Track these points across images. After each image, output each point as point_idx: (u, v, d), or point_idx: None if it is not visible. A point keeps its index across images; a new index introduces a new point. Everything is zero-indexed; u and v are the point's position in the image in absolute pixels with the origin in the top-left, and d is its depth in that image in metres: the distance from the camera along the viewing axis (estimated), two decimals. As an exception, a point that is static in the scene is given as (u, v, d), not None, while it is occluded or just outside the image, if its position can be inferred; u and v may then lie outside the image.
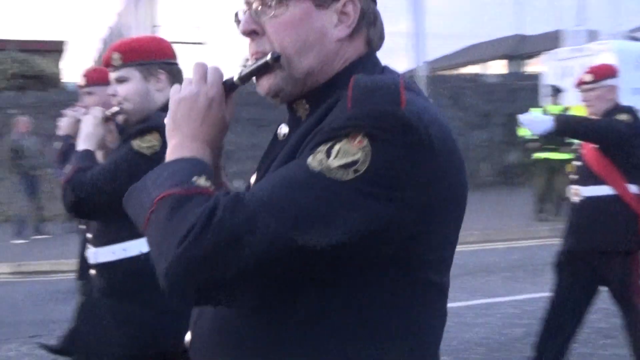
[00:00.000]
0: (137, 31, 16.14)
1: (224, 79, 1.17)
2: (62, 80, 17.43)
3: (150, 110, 2.31)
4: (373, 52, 1.21)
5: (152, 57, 2.33)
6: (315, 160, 1.00)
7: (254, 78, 1.18)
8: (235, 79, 1.17)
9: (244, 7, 1.17)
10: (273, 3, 1.13)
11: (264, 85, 1.17)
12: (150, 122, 2.25)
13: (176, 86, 1.19)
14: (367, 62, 1.18)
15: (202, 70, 1.16)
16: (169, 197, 1.03)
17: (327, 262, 1.00)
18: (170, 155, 1.13)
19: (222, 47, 49.44)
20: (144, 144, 2.22)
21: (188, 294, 1.03)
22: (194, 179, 1.05)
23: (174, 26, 28.92)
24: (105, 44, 21.37)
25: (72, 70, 53.67)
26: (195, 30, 28.67)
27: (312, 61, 1.15)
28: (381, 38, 1.23)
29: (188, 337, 1.20)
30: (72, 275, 8.15)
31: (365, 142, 0.99)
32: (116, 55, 2.30)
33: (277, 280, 1.02)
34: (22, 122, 10.93)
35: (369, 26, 1.19)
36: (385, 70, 1.19)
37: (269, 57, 1.12)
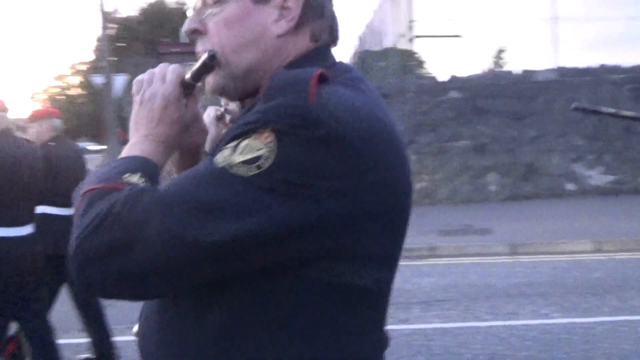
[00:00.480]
0: (393, 27, 16.50)
1: (185, 77, 1.16)
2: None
3: None
4: (321, 47, 1.15)
5: None
6: (221, 156, 0.98)
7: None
8: (187, 77, 1.16)
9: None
10: (211, 1, 1.12)
11: (209, 83, 1.16)
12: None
13: (137, 87, 1.20)
14: (313, 57, 1.12)
15: (163, 71, 1.16)
16: (89, 192, 1.04)
17: (229, 261, 0.97)
18: (121, 155, 1.14)
19: (478, 40, 48.72)
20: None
21: (93, 287, 1.01)
22: (126, 175, 1.04)
23: (430, 20, 29.04)
24: (361, 42, 22.12)
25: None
26: (451, 23, 28.47)
27: (251, 58, 1.12)
28: (333, 32, 1.16)
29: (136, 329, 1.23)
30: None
31: (271, 137, 0.95)
32: None
33: (185, 279, 0.99)
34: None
35: (315, 20, 1.13)
36: (336, 66, 1.12)
37: (205, 56, 1.12)
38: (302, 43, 1.13)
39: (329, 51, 1.17)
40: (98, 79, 17.55)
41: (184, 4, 36.00)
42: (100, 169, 1.11)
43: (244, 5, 1.11)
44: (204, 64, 1.13)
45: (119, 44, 29.07)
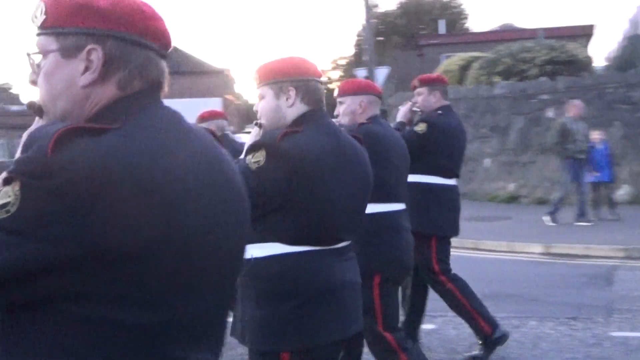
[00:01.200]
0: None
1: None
2: (592, 65, 17.26)
3: (280, 125, 2.40)
4: (130, 95, 1.23)
5: (283, 75, 2.39)
6: None
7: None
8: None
9: None
10: (41, 57, 1.26)
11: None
12: (261, 138, 2.38)
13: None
14: (119, 104, 1.21)
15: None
16: None
17: None
18: None
19: None
20: (253, 159, 2.27)
21: None
22: None
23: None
24: (632, 25, 20.33)
25: (599, 53, 54.12)
26: None
27: (64, 107, 1.25)
28: (144, 78, 1.24)
29: None
30: (601, 261, 8.34)
31: (18, 186, 1.06)
32: (255, 76, 2.47)
33: None
34: (575, 106, 10.91)
35: (120, 70, 1.22)
36: (141, 113, 1.20)
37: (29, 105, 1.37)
38: (109, 92, 1.23)
39: (138, 98, 1.23)
40: (361, 72, 18.30)
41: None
42: None
43: (56, 60, 1.23)
44: (34, 112, 1.39)
45: (378, 38, 30.01)
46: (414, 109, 4.70)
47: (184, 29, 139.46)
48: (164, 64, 1.27)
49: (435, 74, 5.23)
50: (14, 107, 32.29)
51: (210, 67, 60.62)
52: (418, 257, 4.06)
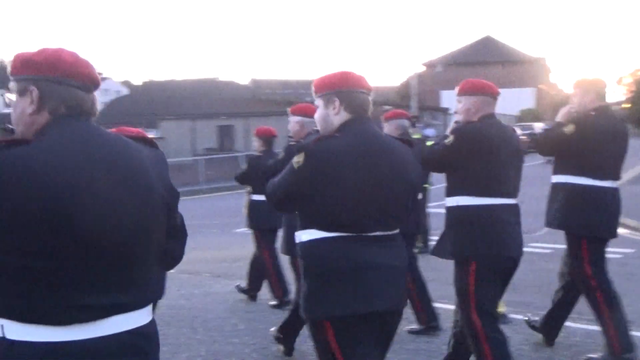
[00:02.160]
0: None
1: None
2: None
3: (329, 130, 2.79)
4: (59, 117, 1.79)
5: (328, 88, 2.79)
6: None
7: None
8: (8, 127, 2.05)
9: None
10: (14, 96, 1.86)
11: None
12: (304, 143, 2.90)
13: None
14: (48, 125, 1.78)
15: None
16: None
17: None
18: None
19: None
20: (296, 159, 2.71)
21: None
22: None
23: None
24: None
25: None
26: None
27: (22, 129, 1.84)
28: (69, 106, 1.80)
29: None
30: None
31: None
32: (312, 89, 2.87)
33: None
34: None
35: (50, 102, 1.79)
36: (59, 128, 1.77)
37: (3, 129, 2.06)
38: (44, 118, 1.80)
39: (61, 119, 1.79)
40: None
41: None
42: None
43: (16, 98, 1.83)
44: (6, 132, 2.05)
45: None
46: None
47: (497, 17, 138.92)
48: (86, 95, 1.83)
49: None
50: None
51: (524, 56, 59.98)
52: (570, 258, 4.51)
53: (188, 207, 8.05)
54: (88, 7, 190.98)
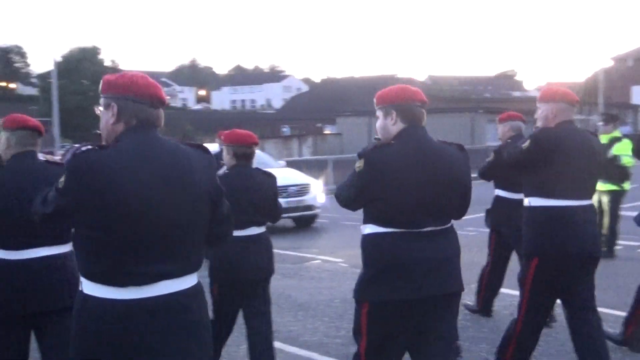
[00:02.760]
0: None
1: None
2: None
3: (388, 138, 3.22)
4: (130, 127, 2.37)
5: (386, 102, 3.25)
6: None
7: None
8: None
9: None
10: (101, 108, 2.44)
11: None
12: (363, 149, 3.22)
13: None
14: (126, 133, 2.35)
15: None
16: None
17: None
18: None
19: None
20: (357, 164, 3.16)
21: None
22: None
23: None
24: None
25: None
26: None
27: (105, 134, 2.41)
28: (139, 119, 2.38)
29: None
30: None
31: (64, 177, 2.31)
32: (375, 102, 3.31)
33: None
34: None
35: (125, 116, 2.36)
36: (130, 137, 2.36)
37: (95, 135, 4.24)
38: (120, 127, 2.37)
39: (135, 129, 2.36)
40: None
41: None
42: None
43: (102, 111, 2.42)
44: (96, 139, 3.08)
45: None
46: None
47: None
48: (153, 110, 2.41)
49: None
50: (516, 93, 34.33)
51: None
52: None
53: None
54: (272, 8, 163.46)
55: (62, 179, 2.34)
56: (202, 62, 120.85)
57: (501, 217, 5.75)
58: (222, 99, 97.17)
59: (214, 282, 4.33)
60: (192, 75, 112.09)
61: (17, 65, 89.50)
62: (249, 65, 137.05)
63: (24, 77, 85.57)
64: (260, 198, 4.33)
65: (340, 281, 7.86)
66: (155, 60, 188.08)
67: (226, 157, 4.47)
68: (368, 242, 3.19)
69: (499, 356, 4.32)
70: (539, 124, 4.15)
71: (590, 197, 4.14)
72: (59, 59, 45.79)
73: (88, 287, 2.30)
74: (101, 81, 2.46)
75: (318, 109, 38.64)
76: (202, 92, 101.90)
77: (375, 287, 3.12)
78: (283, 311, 6.50)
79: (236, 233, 3.49)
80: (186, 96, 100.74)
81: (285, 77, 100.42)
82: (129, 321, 2.25)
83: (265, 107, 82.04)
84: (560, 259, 4.00)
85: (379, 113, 3.29)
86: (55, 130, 27.56)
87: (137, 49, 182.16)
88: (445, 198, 3.13)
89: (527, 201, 4.12)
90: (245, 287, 4.35)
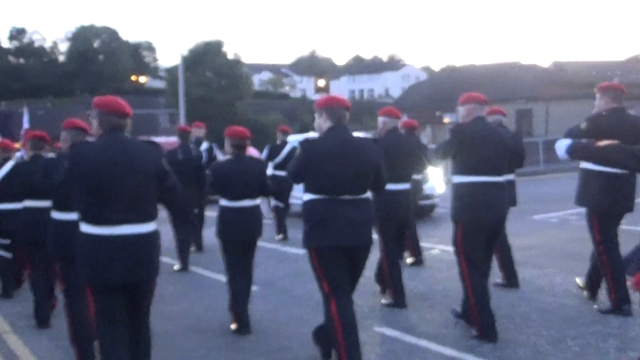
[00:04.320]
0: None
1: None
2: None
3: (320, 133, 4.56)
4: (107, 131, 3.74)
5: (321, 105, 4.58)
6: None
7: None
8: None
9: None
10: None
11: None
12: (301, 141, 4.61)
13: None
14: (104, 135, 3.74)
15: None
16: None
17: None
18: None
19: None
20: (298, 151, 4.61)
21: None
22: None
23: None
24: None
25: None
26: None
27: (94, 135, 3.87)
28: (112, 127, 3.75)
29: None
30: None
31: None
32: (314, 106, 4.61)
33: None
34: None
35: (103, 124, 3.74)
36: (105, 137, 3.76)
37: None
38: (100, 131, 3.79)
39: (109, 132, 3.73)
40: None
41: None
42: None
43: (93, 121, 3.84)
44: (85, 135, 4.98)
45: None
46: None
47: None
48: (121, 120, 3.76)
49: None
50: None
51: None
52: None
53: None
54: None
55: (65, 162, 3.80)
56: (322, 53, 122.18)
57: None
58: (340, 89, 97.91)
59: (220, 239, 5.89)
60: (311, 65, 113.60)
61: (146, 60, 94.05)
62: (367, 55, 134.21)
63: (153, 71, 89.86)
64: (250, 178, 5.77)
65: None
66: (276, 52, 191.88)
67: (227, 147, 5.91)
68: (305, 205, 4.49)
69: (463, 306, 5.41)
70: (460, 121, 5.33)
71: (500, 175, 5.20)
72: (185, 53, 47.81)
73: (84, 226, 3.73)
74: (92, 100, 3.87)
75: (437, 97, 38.99)
76: (321, 83, 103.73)
77: (312, 237, 4.40)
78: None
79: (233, 204, 5.78)
80: (305, 87, 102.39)
81: (403, 66, 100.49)
82: (105, 248, 3.66)
83: (384, 96, 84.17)
84: (477, 223, 5.13)
85: (316, 114, 4.58)
86: (181, 120, 28.86)
87: (258, 42, 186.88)
88: (359, 176, 4.42)
89: (453, 179, 5.26)
90: (239, 244, 5.83)
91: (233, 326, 5.72)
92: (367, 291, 6.68)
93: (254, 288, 6.13)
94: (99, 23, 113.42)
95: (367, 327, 5.63)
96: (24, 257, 6.60)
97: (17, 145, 10.95)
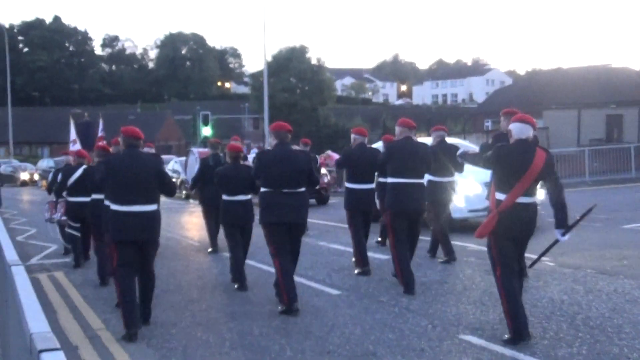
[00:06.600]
0: None
1: None
2: None
3: (272, 147, 7.22)
4: (127, 147, 6.38)
5: (272, 129, 7.20)
6: None
7: None
8: None
9: None
10: None
11: None
12: (257, 152, 11.33)
13: None
14: (124, 150, 6.47)
15: None
16: None
17: None
18: None
19: None
20: (254, 157, 8.38)
21: None
22: None
23: None
24: None
25: None
26: None
27: (118, 150, 8.06)
28: (129, 145, 6.41)
29: None
30: None
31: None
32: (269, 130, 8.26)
33: None
34: None
35: (125, 143, 6.46)
36: (124, 151, 6.59)
37: None
38: (122, 147, 6.67)
39: (127, 148, 6.36)
40: None
41: None
42: None
43: (121, 141, 6.95)
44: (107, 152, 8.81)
45: None
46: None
47: None
48: (136, 141, 6.34)
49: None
50: None
51: None
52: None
53: (573, 199, 8.01)
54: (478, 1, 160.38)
55: (101, 167, 6.48)
56: (404, 57, 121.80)
57: None
58: (423, 94, 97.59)
59: (223, 225, 8.41)
60: (393, 70, 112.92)
61: (232, 66, 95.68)
62: (451, 59, 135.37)
63: (238, 77, 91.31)
64: (244, 176, 8.02)
65: (548, 280, 7.62)
66: (358, 57, 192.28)
67: (270, 140, 7.50)
68: (260, 195, 6.87)
69: (396, 276, 7.64)
70: (396, 139, 7.96)
71: (417, 178, 7.55)
72: (270, 58, 48.41)
73: (111, 206, 6.22)
74: (121, 130, 6.36)
75: (523, 102, 37.98)
76: (404, 87, 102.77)
77: (263, 215, 6.77)
78: (488, 309, 6.43)
79: (235, 197, 8.12)
80: (387, 92, 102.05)
81: (488, 70, 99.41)
82: (124, 218, 6.09)
83: (467, 101, 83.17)
84: (399, 210, 7.47)
85: (269, 136, 7.33)
86: (265, 126, 29.03)
87: (341, 47, 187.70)
88: (296, 177, 6.78)
89: (385, 179, 7.84)
90: (236, 228, 8.21)
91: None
92: (451, 299, 6.61)
93: (337, 292, 7.02)
94: (187, 30, 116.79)
95: (452, 334, 5.58)
96: (89, 236, 9.75)
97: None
